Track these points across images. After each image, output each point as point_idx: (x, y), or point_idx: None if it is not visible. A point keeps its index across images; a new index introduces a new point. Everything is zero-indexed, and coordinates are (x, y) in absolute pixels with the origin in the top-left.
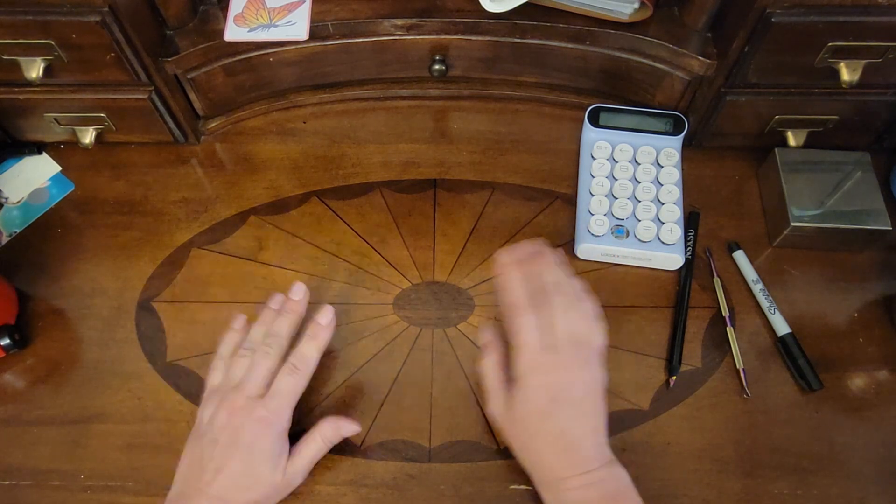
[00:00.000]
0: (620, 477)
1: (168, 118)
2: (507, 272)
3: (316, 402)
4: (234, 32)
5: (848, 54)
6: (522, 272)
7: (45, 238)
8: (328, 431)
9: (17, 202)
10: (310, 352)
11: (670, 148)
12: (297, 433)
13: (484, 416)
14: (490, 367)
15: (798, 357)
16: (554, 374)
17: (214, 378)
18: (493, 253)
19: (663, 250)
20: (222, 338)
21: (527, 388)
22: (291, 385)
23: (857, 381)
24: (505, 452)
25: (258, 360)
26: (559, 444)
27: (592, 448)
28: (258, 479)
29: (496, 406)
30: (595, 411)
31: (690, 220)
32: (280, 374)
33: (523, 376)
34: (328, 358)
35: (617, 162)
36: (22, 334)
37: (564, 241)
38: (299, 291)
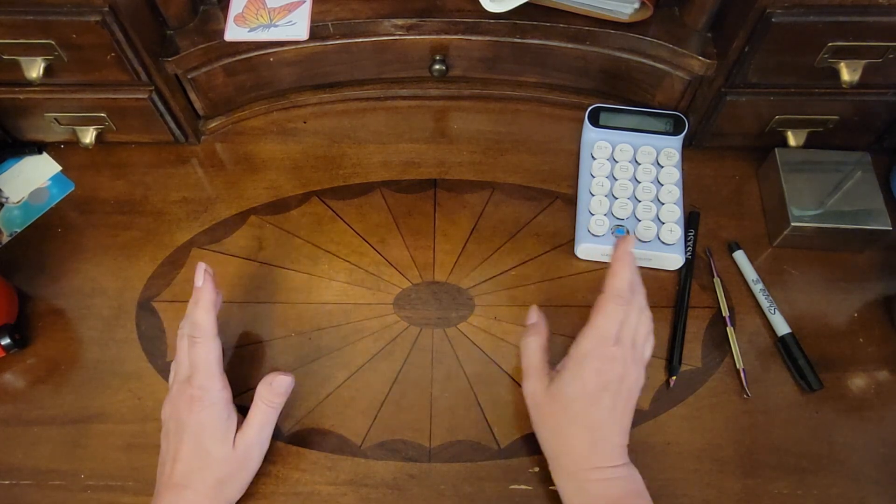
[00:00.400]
0: (638, 479)
1: (168, 118)
2: (626, 260)
3: (316, 401)
4: (234, 32)
5: (848, 54)
6: (634, 266)
7: (45, 238)
8: (265, 393)
9: (18, 202)
10: (198, 316)
11: (670, 148)
12: (298, 431)
13: (484, 415)
14: (535, 346)
15: (798, 357)
16: (612, 364)
17: (169, 379)
18: (495, 252)
19: (663, 250)
20: None
21: (582, 368)
22: (201, 355)
23: (857, 381)
24: (505, 452)
25: (179, 346)
26: (592, 434)
27: (619, 447)
28: (209, 457)
29: (537, 384)
30: (630, 412)
31: (690, 220)
32: (189, 351)
33: (584, 356)
34: (328, 357)
35: (617, 162)
36: (22, 334)
37: (564, 241)
38: (199, 277)
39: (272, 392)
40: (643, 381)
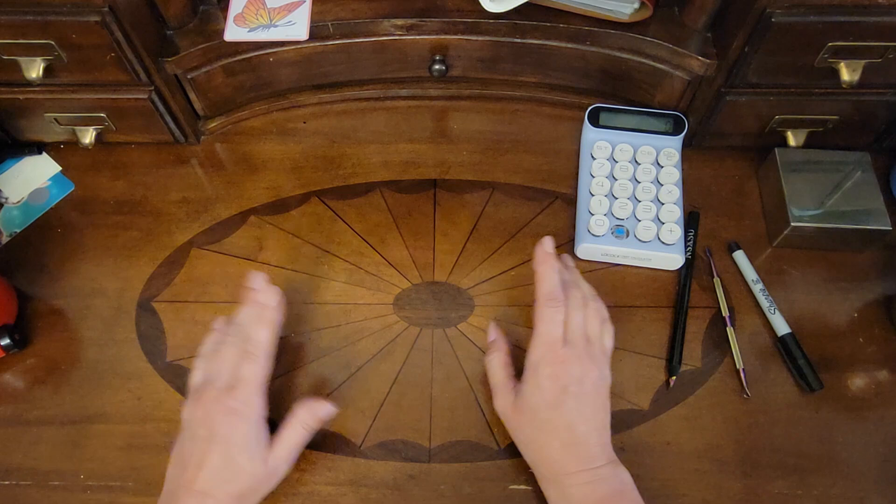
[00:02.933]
0: (624, 478)
1: (168, 118)
2: (548, 262)
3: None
4: (234, 32)
5: (848, 54)
6: (557, 265)
7: (45, 238)
8: (306, 416)
9: (18, 202)
10: (258, 334)
11: (670, 148)
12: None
13: (484, 415)
14: (497, 363)
15: (798, 357)
16: (566, 365)
17: (195, 378)
18: (494, 253)
19: (663, 250)
20: (204, 339)
21: (538, 377)
22: (251, 372)
23: (857, 381)
24: (505, 452)
25: (224, 352)
26: (566, 438)
27: (598, 446)
28: (239, 471)
29: (504, 399)
30: (602, 409)
31: (690, 220)
32: (240, 363)
33: (537, 365)
34: (328, 357)
35: (617, 162)
36: (22, 334)
37: (564, 241)
38: (255, 281)
39: (313, 417)
40: (609, 375)
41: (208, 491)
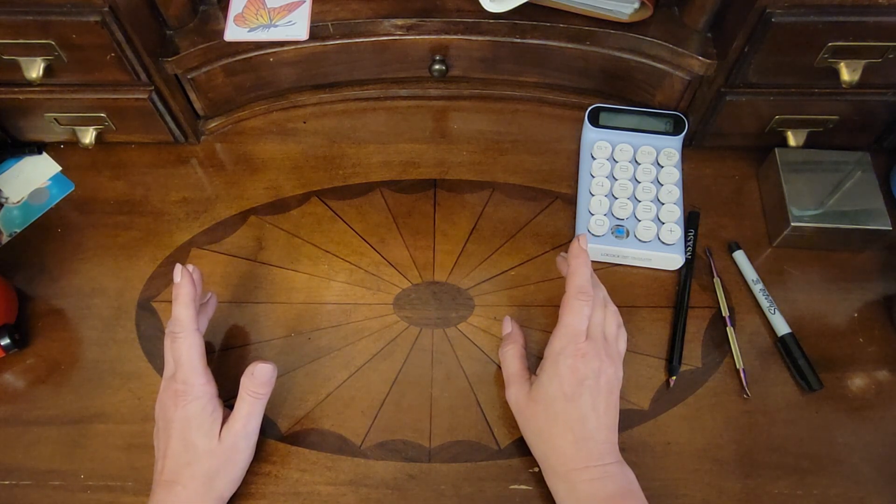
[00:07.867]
0: (631, 478)
1: (168, 118)
2: (582, 257)
3: (316, 401)
4: (234, 32)
5: (848, 54)
6: (589, 262)
7: (45, 238)
8: (247, 383)
9: (18, 202)
10: (178, 312)
11: (670, 148)
12: (297, 433)
13: (484, 415)
14: (513, 354)
15: (798, 357)
16: (586, 358)
17: None
18: (494, 253)
19: (663, 250)
20: None
21: (558, 367)
22: (183, 350)
23: (857, 381)
24: (505, 452)
25: (165, 346)
26: (577, 432)
27: (607, 443)
28: (195, 451)
29: (518, 390)
30: (613, 408)
31: (690, 220)
32: (172, 347)
33: (558, 355)
34: (328, 357)
35: (617, 162)
36: (22, 334)
37: (564, 241)
38: (177, 274)
39: (255, 382)
40: (622, 376)
41: (175, 478)
